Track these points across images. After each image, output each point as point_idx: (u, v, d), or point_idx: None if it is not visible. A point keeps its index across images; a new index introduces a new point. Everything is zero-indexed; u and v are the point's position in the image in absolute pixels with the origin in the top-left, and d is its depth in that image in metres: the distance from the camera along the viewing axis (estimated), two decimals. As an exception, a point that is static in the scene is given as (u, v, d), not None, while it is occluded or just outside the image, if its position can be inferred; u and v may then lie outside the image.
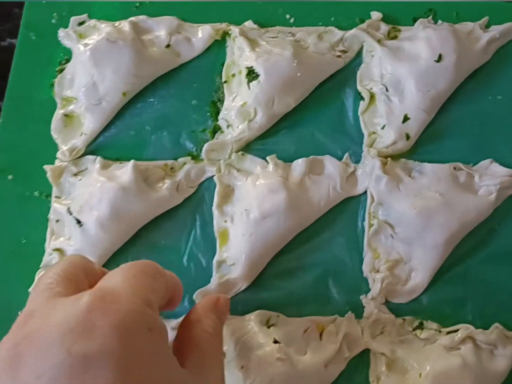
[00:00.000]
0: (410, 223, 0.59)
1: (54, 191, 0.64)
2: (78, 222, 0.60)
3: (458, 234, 0.60)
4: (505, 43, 0.66)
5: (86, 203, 0.60)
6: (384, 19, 0.67)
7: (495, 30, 0.66)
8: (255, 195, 0.60)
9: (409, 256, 0.60)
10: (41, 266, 0.62)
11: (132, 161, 0.61)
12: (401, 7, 0.67)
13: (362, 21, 0.67)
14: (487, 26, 0.67)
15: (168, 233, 0.63)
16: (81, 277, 0.43)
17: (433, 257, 0.59)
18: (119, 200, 0.59)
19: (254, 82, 0.63)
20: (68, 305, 0.38)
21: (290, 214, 0.59)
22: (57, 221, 0.63)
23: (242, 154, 0.64)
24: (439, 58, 0.62)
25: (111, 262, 0.62)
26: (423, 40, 0.63)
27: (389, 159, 0.62)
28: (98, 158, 0.64)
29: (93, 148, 0.65)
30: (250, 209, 0.60)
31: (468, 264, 0.61)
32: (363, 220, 0.62)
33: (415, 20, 0.66)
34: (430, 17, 0.67)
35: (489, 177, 0.61)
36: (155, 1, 0.68)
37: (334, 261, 0.61)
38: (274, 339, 0.56)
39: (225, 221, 0.62)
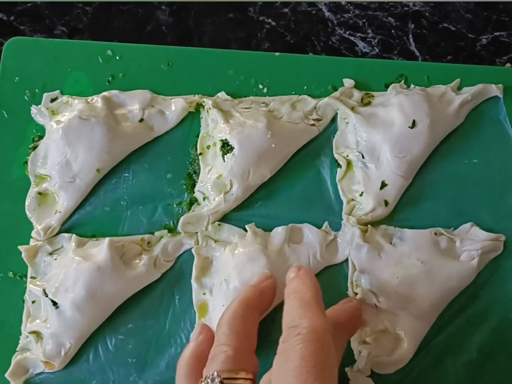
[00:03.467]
0: (393, 292, 0.60)
1: (30, 271, 0.64)
2: (54, 304, 0.61)
3: (442, 302, 0.61)
4: (477, 105, 0.68)
5: (62, 285, 0.61)
6: (356, 86, 0.69)
7: (467, 92, 0.68)
8: (234, 264, 0.61)
9: (394, 325, 0.61)
10: (17, 349, 0.63)
11: (107, 239, 0.62)
12: (373, 73, 0.70)
13: (335, 89, 0.69)
14: (459, 88, 0.69)
15: (146, 310, 0.63)
16: None
17: (418, 326, 0.60)
18: (94, 280, 0.60)
19: (228, 155, 0.64)
20: None
21: (271, 283, 0.60)
22: (33, 302, 0.63)
23: (219, 224, 0.65)
24: (413, 124, 0.64)
25: (88, 342, 0.62)
26: (396, 107, 0.65)
27: (369, 226, 0.64)
28: (73, 236, 0.64)
29: (68, 225, 0.66)
30: (230, 279, 0.61)
31: (453, 330, 0.62)
32: (346, 289, 0.63)
33: (387, 86, 0.68)
34: (402, 81, 0.69)
35: (470, 242, 0.63)
36: (127, 75, 0.70)
37: (317, 333, 0.62)
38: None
39: (204, 294, 0.63)
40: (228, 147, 0.64)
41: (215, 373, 0.47)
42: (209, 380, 0.47)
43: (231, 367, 0.48)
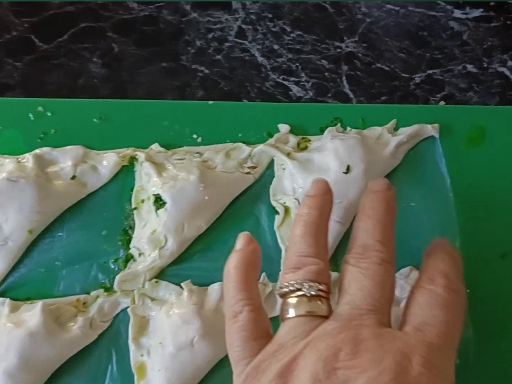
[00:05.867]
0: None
1: (-38, 340, 0.63)
2: (-14, 374, 0.59)
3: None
4: (414, 145, 0.69)
5: (-6, 354, 0.59)
6: (292, 130, 0.69)
7: (403, 133, 0.68)
8: (169, 327, 0.60)
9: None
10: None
11: (40, 303, 0.61)
12: (308, 118, 0.70)
13: (270, 135, 0.68)
14: (395, 129, 0.69)
15: (83, 373, 0.62)
16: None
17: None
18: (27, 347, 0.59)
19: (161, 210, 0.63)
20: None
21: (206, 345, 0.59)
22: (-33, 372, 0.62)
23: (156, 282, 0.64)
24: (348, 170, 0.64)
25: (25, 410, 0.61)
26: (331, 152, 0.65)
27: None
28: (7, 300, 0.63)
29: (2, 289, 0.64)
30: (165, 342, 0.60)
31: None
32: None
33: (322, 130, 0.68)
34: (339, 125, 0.69)
35: (410, 286, 0.62)
36: (60, 130, 0.69)
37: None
38: None
39: (142, 355, 0.61)
40: (161, 202, 0.64)
41: (312, 282, 0.45)
42: (298, 286, 0.45)
43: (324, 280, 0.46)
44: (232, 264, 0.49)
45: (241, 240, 0.51)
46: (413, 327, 0.44)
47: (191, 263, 0.65)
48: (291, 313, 0.45)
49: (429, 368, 0.40)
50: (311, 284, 0.45)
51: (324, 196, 0.52)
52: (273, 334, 0.47)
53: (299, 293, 0.45)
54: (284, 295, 0.46)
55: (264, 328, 0.47)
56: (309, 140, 0.69)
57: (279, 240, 0.65)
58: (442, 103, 0.72)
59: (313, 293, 0.44)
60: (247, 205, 0.67)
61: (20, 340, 0.59)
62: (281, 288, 0.46)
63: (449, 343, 0.43)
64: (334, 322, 0.43)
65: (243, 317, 0.46)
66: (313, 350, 0.41)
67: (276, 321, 0.61)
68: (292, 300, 0.45)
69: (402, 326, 0.45)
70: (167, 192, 0.63)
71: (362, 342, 0.41)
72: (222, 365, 0.61)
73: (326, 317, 0.44)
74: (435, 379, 0.40)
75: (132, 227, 0.66)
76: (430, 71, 0.74)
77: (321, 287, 0.45)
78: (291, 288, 0.45)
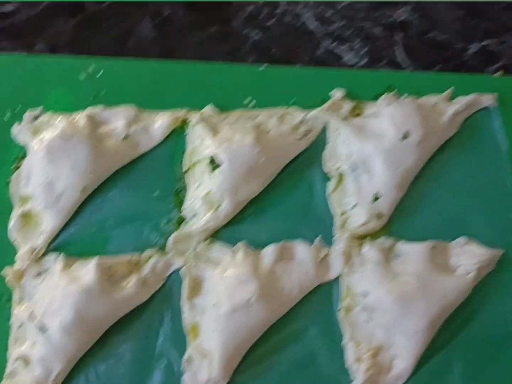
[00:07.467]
0: (388, 309, 0.60)
1: (15, 295, 0.63)
2: (41, 328, 0.59)
3: (438, 319, 0.60)
4: (470, 114, 0.68)
5: (49, 309, 0.59)
6: (347, 96, 0.69)
7: (460, 102, 0.68)
8: (224, 287, 0.60)
9: (390, 342, 0.60)
10: (4, 375, 0.61)
11: (94, 260, 0.61)
12: (363, 84, 0.69)
13: (324, 100, 0.68)
14: (451, 98, 0.69)
15: (135, 332, 0.62)
16: None
17: (414, 343, 0.60)
18: (82, 304, 0.59)
19: (217, 170, 0.63)
20: None
21: (261, 306, 0.60)
22: (20, 326, 0.62)
23: (210, 243, 0.64)
24: (405, 136, 0.64)
25: (78, 368, 0.61)
26: (387, 118, 0.65)
27: (367, 239, 0.63)
28: (60, 256, 0.63)
29: (53, 247, 0.65)
30: (220, 302, 0.60)
31: (451, 348, 0.61)
32: (338, 308, 0.62)
33: (376, 97, 0.68)
34: (395, 91, 0.68)
35: (466, 256, 0.62)
36: (111, 90, 0.69)
37: (309, 353, 0.61)
38: None
39: (195, 316, 0.62)
40: (217, 163, 0.64)
41: None
42: None
43: None
44: None
45: None
46: None
47: (244, 225, 0.65)
48: None
49: None
50: None
51: None
52: None
53: None
54: None
55: None
56: (363, 107, 0.69)
57: (331, 206, 0.65)
58: (500, 73, 0.71)
59: None
60: (300, 171, 0.67)
61: (75, 296, 0.59)
62: None
63: None
64: None
65: None
66: None
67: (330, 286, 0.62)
68: None
69: None
70: (224, 153, 0.63)
71: None
72: (276, 329, 0.62)
73: None
74: None
75: (184, 189, 0.66)
76: (485, 42, 0.74)
77: None
78: None
